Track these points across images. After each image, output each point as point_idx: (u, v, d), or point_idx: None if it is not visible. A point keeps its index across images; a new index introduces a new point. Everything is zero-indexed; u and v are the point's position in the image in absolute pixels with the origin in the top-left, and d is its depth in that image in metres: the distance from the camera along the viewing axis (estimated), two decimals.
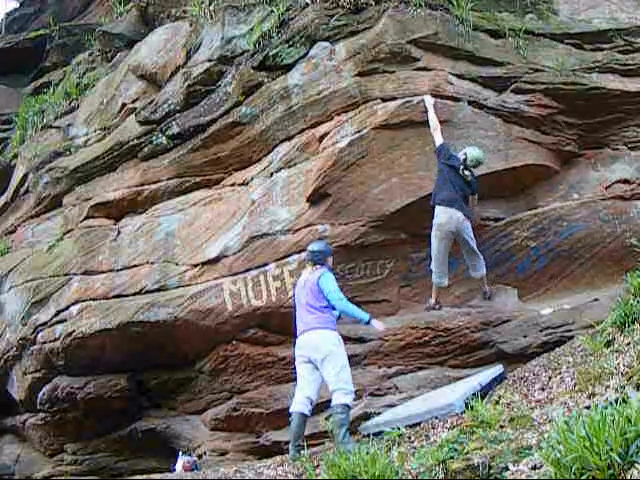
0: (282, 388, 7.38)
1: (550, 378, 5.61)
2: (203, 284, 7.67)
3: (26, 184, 10.24)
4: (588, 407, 4.19)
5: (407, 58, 7.29)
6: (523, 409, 4.96)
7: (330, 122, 7.37)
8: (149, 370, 8.24)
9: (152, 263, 8.19)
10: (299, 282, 6.15)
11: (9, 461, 9.67)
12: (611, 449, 3.03)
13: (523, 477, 3.61)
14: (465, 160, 6.89)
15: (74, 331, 8.24)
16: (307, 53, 7.66)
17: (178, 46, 9.08)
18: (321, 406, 6.23)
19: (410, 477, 4.25)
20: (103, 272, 8.50)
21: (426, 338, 7.08)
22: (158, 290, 7.96)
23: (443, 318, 7.00)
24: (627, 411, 3.25)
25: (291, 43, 7.77)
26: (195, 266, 7.83)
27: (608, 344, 5.61)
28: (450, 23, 7.50)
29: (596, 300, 7.04)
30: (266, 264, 7.33)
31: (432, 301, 7.08)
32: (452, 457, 4.17)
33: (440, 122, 7.03)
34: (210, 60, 8.39)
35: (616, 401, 3.85)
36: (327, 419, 6.50)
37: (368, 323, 5.91)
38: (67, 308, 8.49)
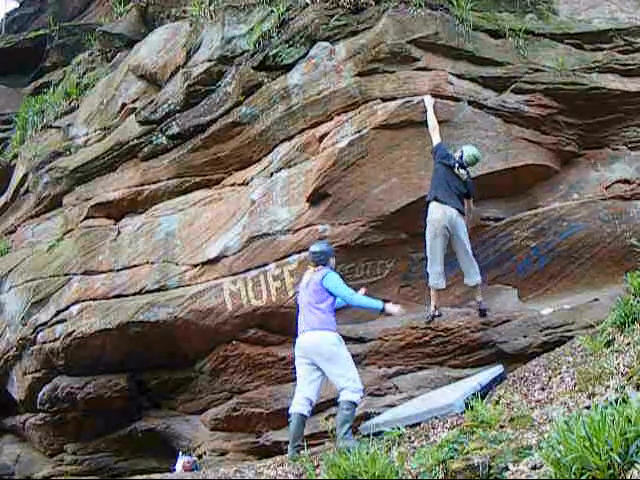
0: (282, 388, 7.38)
1: (550, 378, 5.61)
2: (203, 284, 7.67)
3: (26, 184, 10.24)
4: (588, 407, 4.20)
5: (407, 58, 7.29)
6: (523, 409, 4.96)
7: (330, 122, 7.37)
8: (149, 370, 8.24)
9: (152, 263, 8.19)
10: (302, 283, 6.16)
11: (9, 461, 9.67)
12: (611, 449, 3.03)
13: (523, 477, 3.61)
14: (461, 158, 6.87)
15: (74, 331, 8.24)
16: (307, 53, 7.66)
17: (178, 46, 9.08)
18: (321, 406, 6.24)
19: (410, 477, 4.25)
20: (103, 272, 8.50)
21: (426, 338, 7.08)
22: (158, 290, 7.96)
23: (443, 318, 6.99)
24: (627, 411, 3.25)
25: (291, 43, 7.77)
26: (195, 266, 7.83)
27: (608, 344, 5.62)
28: (450, 23, 7.50)
29: (596, 300, 7.04)
30: (266, 264, 7.33)
31: (432, 309, 6.84)
32: (452, 457, 4.17)
33: (440, 122, 7.02)
34: (210, 60, 8.39)
35: (616, 401, 3.85)
36: (327, 419, 6.51)
37: (383, 310, 5.98)
38: (67, 308, 8.49)
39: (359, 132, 7.10)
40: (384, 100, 7.17)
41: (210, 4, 8.94)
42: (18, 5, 15.80)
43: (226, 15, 8.54)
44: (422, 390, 6.85)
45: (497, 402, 5.42)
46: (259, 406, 7.54)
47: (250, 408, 7.59)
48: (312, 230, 7.16)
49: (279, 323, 7.32)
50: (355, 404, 5.65)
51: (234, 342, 7.57)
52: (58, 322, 8.50)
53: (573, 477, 3.08)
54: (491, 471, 3.84)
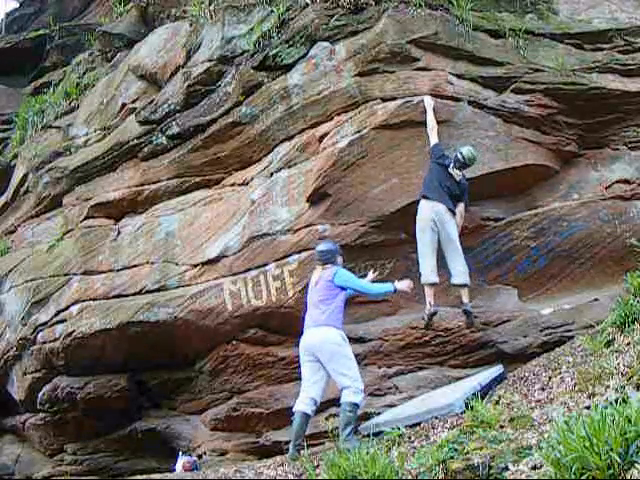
0: (282, 388, 7.39)
1: (550, 378, 5.61)
2: (203, 284, 7.67)
3: (26, 184, 10.24)
4: (588, 407, 4.20)
5: (407, 58, 7.29)
6: (523, 409, 4.97)
7: (330, 122, 7.37)
8: (149, 370, 8.24)
9: (152, 263, 8.19)
10: (311, 282, 6.19)
11: (9, 461, 9.67)
12: (611, 449, 3.03)
13: (523, 477, 3.61)
14: (457, 158, 6.85)
15: (74, 331, 8.24)
16: (307, 53, 7.66)
17: (178, 46, 9.08)
18: (321, 406, 6.22)
19: (410, 477, 4.25)
20: (103, 272, 8.50)
21: (426, 338, 7.08)
22: (158, 290, 7.96)
23: (443, 318, 6.99)
24: (627, 411, 3.25)
25: (291, 43, 7.77)
26: (195, 266, 7.83)
27: (608, 344, 5.62)
28: (450, 23, 7.50)
29: (596, 300, 7.04)
30: (266, 264, 7.33)
31: (428, 307, 6.64)
32: (452, 457, 4.17)
33: (440, 122, 7.03)
34: (210, 60, 8.39)
35: (616, 401, 3.85)
36: (327, 419, 6.51)
37: (396, 291, 6.13)
38: (67, 308, 8.49)
39: (359, 132, 7.10)
40: (384, 100, 7.17)
41: (210, 4, 8.94)
42: (18, 5, 15.81)
43: (226, 15, 8.54)
44: (422, 390, 6.85)
45: (497, 402, 5.42)
46: (259, 406, 7.54)
47: (250, 408, 7.59)
48: (312, 230, 7.16)
49: (279, 323, 7.32)
50: (357, 405, 5.66)
51: (234, 342, 7.58)
52: (58, 322, 8.50)
53: (573, 477, 3.08)
54: (491, 471, 3.84)
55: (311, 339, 5.84)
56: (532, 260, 7.40)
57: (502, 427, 4.62)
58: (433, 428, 5.38)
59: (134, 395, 8.41)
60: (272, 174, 7.66)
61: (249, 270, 7.41)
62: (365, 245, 7.15)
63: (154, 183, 8.64)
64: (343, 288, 5.99)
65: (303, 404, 5.77)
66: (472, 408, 5.07)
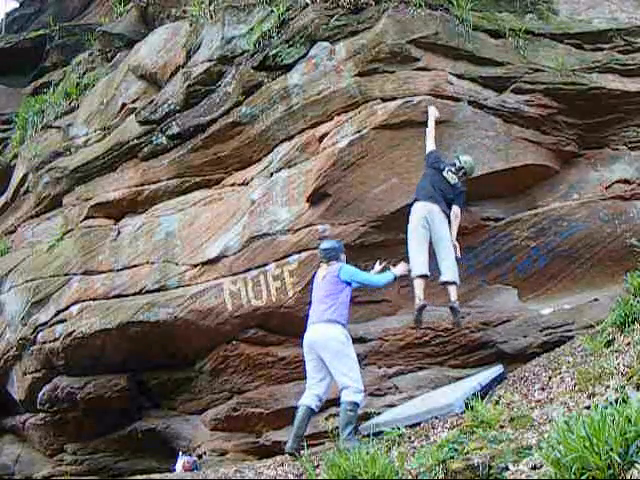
0: (282, 388, 7.39)
1: (550, 378, 5.61)
2: (203, 284, 7.67)
3: (26, 184, 10.24)
4: (588, 407, 4.20)
5: (407, 58, 7.29)
6: (523, 409, 4.97)
7: (330, 122, 7.37)
8: (149, 370, 8.24)
9: (152, 263, 8.19)
10: (316, 279, 6.23)
11: (9, 461, 9.67)
12: (611, 449, 3.03)
13: (523, 477, 3.61)
14: (453, 163, 6.82)
15: (74, 331, 8.24)
16: (307, 53, 7.66)
17: (178, 46, 9.08)
18: (321, 406, 6.23)
19: (410, 477, 4.25)
20: (103, 272, 8.50)
21: (426, 338, 7.08)
22: (158, 290, 7.96)
23: (443, 318, 6.99)
24: (627, 411, 3.25)
25: (291, 43, 7.77)
26: (195, 266, 7.83)
27: (608, 344, 5.62)
28: (450, 23, 7.50)
29: (596, 300, 7.05)
30: (266, 264, 7.33)
31: (417, 301, 6.47)
32: (452, 457, 4.18)
33: (440, 122, 7.03)
34: (210, 60, 8.39)
35: (616, 401, 3.85)
36: (327, 419, 6.51)
37: (396, 278, 6.28)
38: (67, 308, 8.49)
39: (359, 132, 7.10)
40: (384, 100, 7.17)
41: (210, 4, 8.94)
42: (18, 5, 15.80)
43: (226, 15, 8.54)
44: (422, 390, 6.85)
45: (497, 402, 5.42)
46: (259, 406, 7.54)
47: (250, 408, 7.59)
48: (312, 230, 7.16)
49: (279, 323, 7.32)
50: (357, 404, 5.65)
51: (234, 342, 7.58)
52: (58, 322, 8.50)
53: (573, 477, 3.08)
54: (491, 471, 3.84)
55: (314, 335, 5.84)
56: (532, 260, 7.40)
57: (502, 427, 4.62)
58: (433, 428, 5.38)
59: (134, 395, 8.41)
60: (272, 174, 7.65)
61: (249, 270, 7.41)
62: (365, 245, 7.15)
63: (154, 183, 8.64)
64: (348, 283, 6.02)
65: (307, 399, 5.78)
66: (472, 408, 5.07)
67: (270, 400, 7.46)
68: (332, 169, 7.08)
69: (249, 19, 8.45)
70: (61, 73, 12.05)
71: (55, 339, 8.43)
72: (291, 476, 5.27)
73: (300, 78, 7.58)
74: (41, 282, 8.96)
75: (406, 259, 7.05)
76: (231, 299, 7.42)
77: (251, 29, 8.30)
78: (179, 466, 7.55)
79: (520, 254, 7.39)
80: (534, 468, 3.62)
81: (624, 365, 4.91)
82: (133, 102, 9.41)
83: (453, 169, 6.81)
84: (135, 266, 8.31)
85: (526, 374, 6.08)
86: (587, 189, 7.55)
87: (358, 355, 6.76)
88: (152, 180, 8.66)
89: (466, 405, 5.38)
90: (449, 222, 6.68)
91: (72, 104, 10.56)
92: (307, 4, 7.93)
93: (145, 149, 8.73)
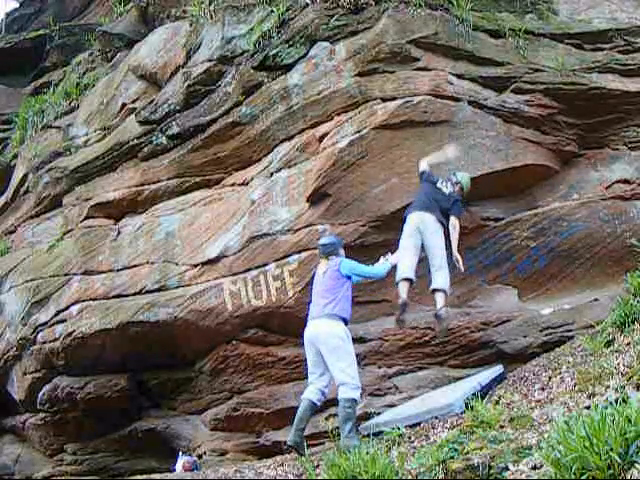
0: (282, 388, 7.39)
1: (550, 378, 5.61)
2: (203, 284, 7.67)
3: (26, 184, 10.24)
4: (588, 407, 4.20)
5: (407, 58, 7.29)
6: (523, 409, 4.97)
7: (330, 122, 7.37)
8: (149, 370, 8.24)
9: (152, 263, 8.19)
10: (317, 274, 6.22)
11: (9, 461, 9.67)
12: (611, 449, 3.02)
13: (523, 477, 3.61)
14: (449, 177, 6.80)
15: (74, 331, 8.24)
16: (307, 53, 7.66)
17: (178, 46, 9.08)
18: (321, 406, 6.22)
19: (410, 477, 4.25)
20: (103, 272, 8.50)
21: (426, 338, 7.08)
22: (158, 290, 7.96)
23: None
24: (627, 411, 3.25)
25: (291, 43, 7.77)
26: (195, 266, 7.83)
27: (608, 344, 5.62)
28: (450, 23, 7.50)
29: (596, 300, 7.05)
30: (266, 264, 7.33)
31: (399, 300, 6.42)
32: (452, 457, 4.17)
33: (440, 122, 7.04)
34: (210, 60, 8.40)
35: (616, 401, 3.85)
36: (327, 419, 6.51)
37: (395, 266, 6.34)
38: (67, 308, 8.49)
39: (359, 132, 7.10)
40: (384, 100, 7.17)
41: (210, 4, 8.94)
42: (18, 5, 15.80)
43: (226, 15, 8.54)
44: (422, 390, 6.85)
45: (497, 402, 5.42)
46: (259, 406, 7.54)
47: (250, 408, 7.59)
48: (312, 230, 7.16)
49: (279, 323, 7.32)
50: (355, 401, 5.65)
51: (234, 342, 7.58)
52: (58, 322, 8.50)
53: (573, 477, 3.08)
54: (491, 471, 3.84)
55: (315, 330, 5.85)
56: (532, 260, 7.40)
57: (502, 427, 4.62)
58: (433, 428, 5.38)
59: (134, 395, 8.41)
60: (272, 174, 7.66)
61: (249, 270, 7.41)
62: (365, 245, 7.15)
63: (154, 183, 8.64)
64: (349, 277, 6.03)
65: (310, 392, 5.77)
66: (472, 408, 5.07)
67: (270, 400, 7.46)
68: (332, 169, 7.08)
69: (249, 19, 8.45)
70: (61, 73, 12.06)
71: (55, 339, 8.43)
72: (291, 476, 5.27)
73: (300, 78, 7.58)
74: (41, 282, 8.96)
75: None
76: (231, 299, 7.42)
77: (251, 29, 8.30)
78: (179, 466, 7.55)
79: (520, 254, 7.39)
80: (534, 468, 3.61)
81: (624, 365, 4.91)
82: (133, 102, 9.42)
83: (449, 183, 6.78)
84: (135, 266, 8.31)
85: (526, 374, 6.08)
86: (587, 189, 7.55)
87: (358, 355, 6.78)
88: (152, 180, 8.66)
89: (466, 405, 5.37)
90: (447, 233, 6.59)
91: (72, 104, 10.57)
92: (307, 4, 7.94)
93: (145, 149, 8.73)
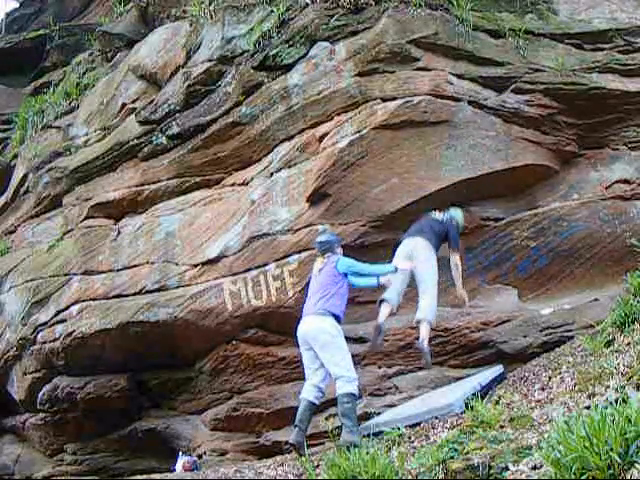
0: (282, 388, 7.39)
1: (550, 378, 5.61)
2: (203, 284, 7.67)
3: (26, 184, 10.24)
4: (588, 407, 4.20)
5: (407, 58, 7.29)
6: (523, 409, 4.96)
7: (330, 122, 7.37)
8: (149, 370, 8.24)
9: (152, 263, 8.19)
10: (313, 271, 6.21)
11: (9, 461, 9.67)
12: (611, 449, 3.02)
13: (523, 477, 3.61)
14: (444, 215, 6.80)
15: (74, 331, 8.24)
16: (307, 53, 7.66)
17: (178, 46, 9.08)
18: (321, 406, 6.22)
19: (410, 477, 4.25)
20: (103, 272, 8.50)
21: None
22: (158, 290, 7.96)
23: (443, 318, 6.99)
24: (627, 411, 3.25)
25: (291, 43, 7.78)
26: (195, 266, 7.83)
27: (608, 344, 5.62)
28: (450, 23, 7.50)
29: (596, 300, 7.04)
30: (266, 264, 7.33)
31: (374, 324, 6.34)
32: (452, 457, 4.17)
33: (440, 122, 7.04)
34: (210, 60, 8.40)
35: (616, 401, 3.85)
36: (327, 419, 6.51)
37: (397, 270, 6.23)
38: (67, 308, 8.49)
39: (359, 132, 7.10)
40: (384, 100, 7.17)
41: (210, 4, 8.94)
42: (18, 5, 15.80)
43: (226, 15, 8.54)
44: (422, 390, 6.85)
45: (497, 402, 5.42)
46: (259, 406, 7.54)
47: (250, 408, 7.59)
48: (312, 230, 7.15)
49: (279, 323, 7.31)
50: (354, 395, 5.64)
51: (234, 342, 7.58)
52: (58, 322, 8.50)
53: (573, 477, 3.08)
54: (491, 471, 3.84)
55: (305, 327, 5.88)
56: (532, 260, 7.40)
57: (502, 427, 4.62)
58: (433, 428, 5.38)
59: (134, 395, 8.41)
60: (272, 174, 7.66)
61: (249, 270, 7.41)
62: (365, 245, 7.15)
63: (154, 183, 8.64)
64: (345, 275, 6.02)
65: (307, 392, 5.78)
66: (472, 408, 5.07)
67: (270, 400, 7.46)
68: (332, 169, 7.08)
69: (249, 19, 8.45)
70: (61, 73, 12.06)
71: (55, 339, 8.43)
72: (291, 476, 5.27)
73: (300, 78, 7.58)
74: (41, 282, 8.96)
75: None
76: (231, 299, 7.42)
77: (251, 29, 8.30)
78: (179, 466, 7.55)
79: (520, 254, 7.39)
80: (534, 468, 3.61)
81: (624, 365, 4.91)
82: (133, 102, 9.42)
83: (441, 213, 6.76)
84: (135, 266, 8.31)
85: (526, 374, 6.08)
86: (587, 189, 7.55)
87: (358, 355, 6.80)
88: (152, 180, 8.66)
89: (466, 405, 5.37)
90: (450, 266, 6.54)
91: (72, 104, 10.56)
92: (307, 4, 7.94)
93: (145, 149, 8.73)
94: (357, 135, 7.09)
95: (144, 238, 8.41)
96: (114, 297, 8.23)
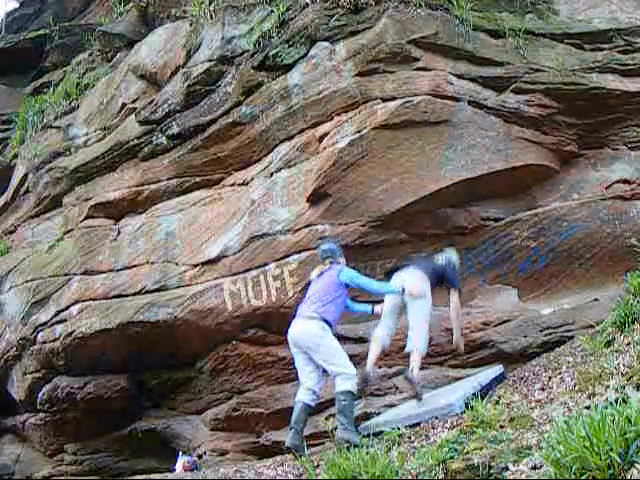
0: (282, 388, 7.38)
1: (550, 378, 5.61)
2: (203, 284, 7.67)
3: (26, 184, 10.24)
4: (588, 407, 4.20)
5: (407, 58, 7.29)
6: (523, 409, 4.96)
7: (330, 122, 7.36)
8: (149, 370, 8.24)
9: (152, 263, 8.19)
10: (313, 276, 6.21)
11: (9, 461, 9.66)
12: (611, 449, 3.02)
13: (523, 477, 3.61)
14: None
15: (74, 331, 8.23)
16: (307, 53, 7.66)
17: (178, 46, 9.08)
18: (321, 406, 6.23)
19: (410, 477, 4.25)
20: (103, 272, 8.49)
21: None
22: (158, 290, 7.96)
23: (443, 318, 6.98)
24: (627, 411, 3.25)
25: (291, 43, 7.77)
26: (195, 266, 7.83)
27: (608, 344, 5.62)
28: (450, 23, 7.50)
29: (596, 300, 7.04)
30: (266, 264, 7.33)
31: (365, 369, 6.11)
32: (452, 457, 4.17)
33: (440, 122, 7.04)
34: (210, 60, 8.39)
35: (616, 401, 3.84)
36: (327, 419, 6.51)
37: (404, 291, 6.13)
38: (67, 308, 8.48)
39: (359, 132, 7.10)
40: (384, 100, 7.17)
41: (210, 4, 8.94)
42: (18, 5, 15.77)
43: (226, 15, 8.54)
44: (422, 390, 6.83)
45: (497, 402, 5.42)
46: (259, 406, 7.54)
47: (250, 408, 7.59)
48: (312, 230, 7.16)
49: (279, 323, 7.30)
50: (351, 392, 5.65)
51: (234, 342, 7.57)
52: (58, 322, 8.49)
53: (573, 477, 3.08)
54: (491, 471, 3.84)
55: (294, 331, 5.91)
56: (532, 260, 7.40)
57: (502, 427, 4.62)
58: (433, 428, 5.38)
59: (134, 395, 8.41)
60: (272, 174, 7.65)
61: (249, 270, 7.41)
62: (365, 245, 7.14)
63: (154, 183, 8.64)
64: (347, 285, 6.01)
65: (301, 394, 5.80)
66: (472, 408, 5.06)
67: (270, 400, 7.46)
68: (332, 169, 7.07)
69: (249, 19, 8.45)
70: (61, 73, 12.05)
71: (55, 339, 8.43)
72: (291, 476, 5.28)
73: (300, 78, 7.58)
74: (41, 282, 8.95)
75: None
76: (231, 299, 7.42)
77: (251, 29, 8.30)
78: (179, 466, 7.55)
79: (520, 254, 7.39)
80: (534, 468, 3.61)
81: (624, 365, 4.91)
82: (133, 102, 9.41)
83: (441, 259, 6.70)
84: (135, 266, 8.30)
85: (526, 374, 6.08)
86: (587, 189, 7.55)
87: (358, 355, 6.79)
88: (152, 180, 8.66)
89: (466, 405, 5.37)
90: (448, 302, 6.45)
91: (72, 104, 10.55)
92: (307, 4, 7.93)
93: (145, 149, 8.72)
94: (357, 135, 7.09)
95: (144, 238, 8.41)
96: (114, 297, 8.22)
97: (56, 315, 8.56)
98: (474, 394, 5.55)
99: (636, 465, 2.97)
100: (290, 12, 8.08)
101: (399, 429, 5.42)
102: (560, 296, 7.34)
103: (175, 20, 9.83)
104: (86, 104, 10.21)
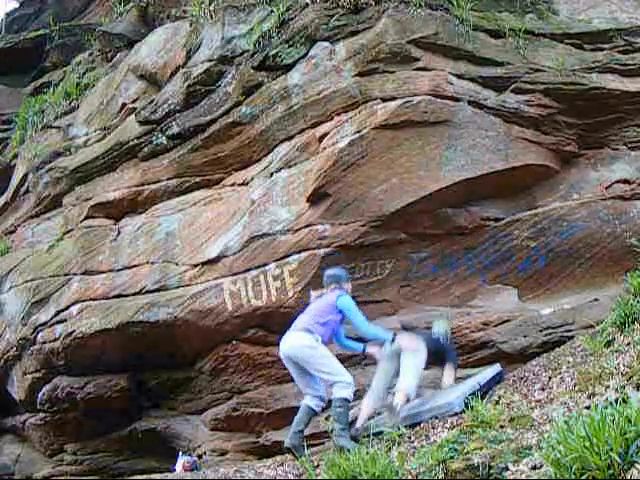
0: (282, 388, 7.38)
1: (550, 378, 5.61)
2: (203, 284, 7.67)
3: (26, 184, 10.24)
4: (588, 407, 4.20)
5: (407, 58, 7.29)
6: (523, 409, 4.96)
7: (330, 122, 7.37)
8: (149, 370, 8.24)
9: (152, 263, 8.19)
10: (313, 297, 6.24)
11: (9, 461, 9.67)
12: (611, 449, 3.02)
13: (523, 477, 3.61)
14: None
15: (74, 331, 8.24)
16: (307, 53, 7.66)
17: (178, 46, 9.08)
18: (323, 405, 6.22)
19: (410, 477, 4.25)
20: (103, 272, 8.50)
21: None
22: (158, 290, 7.96)
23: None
24: (627, 411, 3.25)
25: (291, 43, 7.78)
26: (195, 266, 7.83)
27: (608, 344, 5.62)
28: (450, 23, 7.50)
29: (596, 300, 7.04)
30: (266, 264, 7.33)
31: (358, 425, 5.84)
32: (452, 457, 4.17)
33: (440, 122, 7.04)
34: (210, 60, 8.40)
35: (616, 401, 3.85)
36: (327, 419, 6.51)
37: (394, 339, 5.91)
38: (67, 308, 8.49)
39: (359, 132, 7.09)
40: (384, 100, 7.17)
41: (210, 4, 8.95)
42: (18, 5, 15.79)
43: (226, 15, 8.54)
44: (422, 390, 6.84)
45: (497, 402, 5.42)
46: (259, 406, 7.54)
47: (250, 408, 7.59)
48: (312, 230, 7.15)
49: (279, 323, 7.29)
50: (347, 400, 5.65)
51: (234, 342, 7.58)
52: (58, 322, 8.50)
53: (573, 477, 3.08)
54: (491, 471, 3.84)
55: (284, 346, 5.88)
56: (532, 260, 7.39)
57: (502, 427, 4.62)
58: (433, 428, 5.38)
59: (134, 395, 8.41)
60: (272, 174, 7.65)
61: (249, 270, 7.41)
62: (365, 245, 7.14)
63: (154, 183, 8.64)
64: (340, 312, 5.94)
65: (307, 400, 5.81)
66: (472, 408, 5.07)
67: (270, 400, 7.46)
68: (332, 169, 7.07)
69: (249, 19, 8.45)
70: (61, 73, 12.06)
71: (55, 339, 8.43)
72: (291, 476, 5.28)
73: (300, 78, 7.58)
74: (41, 282, 8.95)
75: (406, 259, 7.05)
76: (231, 299, 7.42)
77: (251, 29, 8.31)
78: (179, 466, 7.55)
79: (520, 254, 7.39)
80: (534, 468, 3.61)
81: (624, 365, 4.91)
82: (133, 102, 9.42)
83: (439, 335, 6.50)
84: (135, 266, 8.30)
85: (526, 374, 6.08)
86: (587, 189, 7.55)
87: (358, 355, 6.79)
88: (152, 180, 8.66)
89: (466, 405, 5.37)
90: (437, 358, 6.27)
91: (72, 104, 10.56)
92: (307, 4, 7.94)
93: (145, 149, 8.73)
94: (357, 135, 7.08)
95: (144, 238, 8.41)
96: (114, 297, 8.23)
97: (56, 315, 8.56)
98: (474, 394, 5.55)
99: (636, 465, 2.97)
100: (290, 12, 8.08)
101: (399, 429, 5.42)
102: (560, 296, 7.34)
103: (175, 20, 9.83)
104: (86, 104, 10.21)
